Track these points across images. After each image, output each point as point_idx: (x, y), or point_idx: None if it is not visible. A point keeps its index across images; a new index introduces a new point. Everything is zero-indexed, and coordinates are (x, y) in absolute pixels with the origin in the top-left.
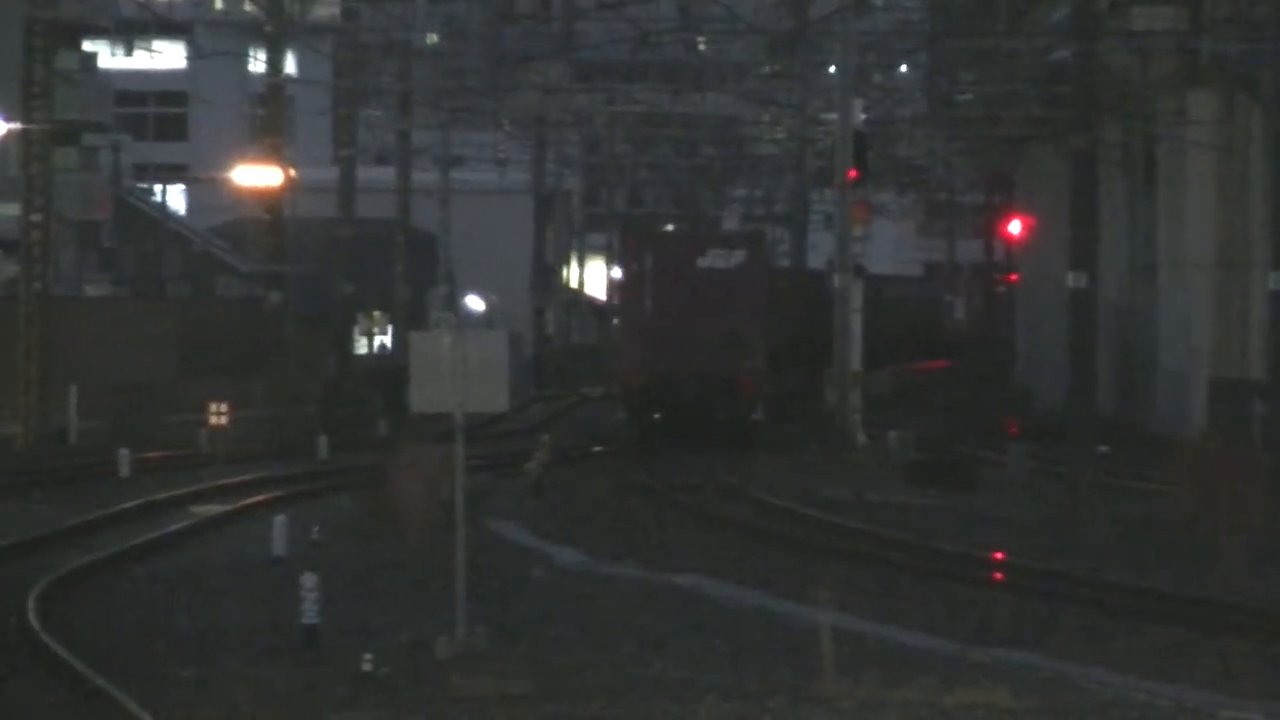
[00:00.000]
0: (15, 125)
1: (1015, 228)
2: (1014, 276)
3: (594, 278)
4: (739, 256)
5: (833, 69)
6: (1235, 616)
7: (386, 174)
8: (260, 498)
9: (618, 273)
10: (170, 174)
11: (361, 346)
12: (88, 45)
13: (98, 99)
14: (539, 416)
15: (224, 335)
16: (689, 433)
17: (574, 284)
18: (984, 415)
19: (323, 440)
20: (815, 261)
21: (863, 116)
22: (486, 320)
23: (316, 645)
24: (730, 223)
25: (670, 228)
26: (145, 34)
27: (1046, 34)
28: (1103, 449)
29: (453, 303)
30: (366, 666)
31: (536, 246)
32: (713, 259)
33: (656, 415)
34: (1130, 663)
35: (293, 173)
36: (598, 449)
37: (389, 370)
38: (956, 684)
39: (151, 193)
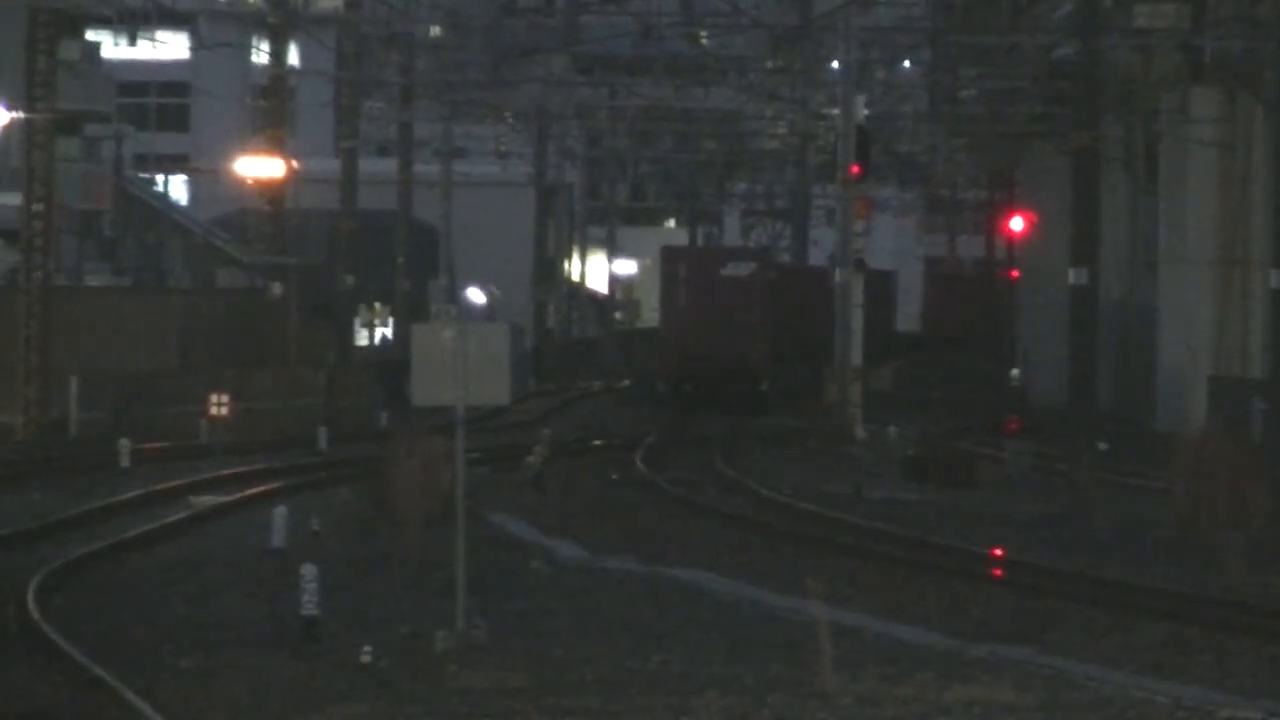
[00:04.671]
0: (18, 115)
1: (1017, 224)
2: (1015, 272)
3: (595, 271)
4: (751, 267)
5: (835, 64)
6: (1234, 614)
7: (388, 166)
8: (260, 489)
9: (660, 280)
10: (172, 164)
11: (363, 338)
12: (91, 35)
13: (100, 89)
14: (539, 410)
15: (225, 326)
16: (714, 400)
17: (575, 277)
18: (984, 411)
19: (323, 432)
20: (817, 256)
21: (865, 112)
22: (487, 313)
23: (315, 637)
24: (731, 218)
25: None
26: (148, 24)
27: (1049, 31)
28: (1103, 446)
29: (454, 295)
30: (365, 658)
31: (538, 239)
32: (732, 269)
33: (688, 388)
34: (1129, 660)
35: (294, 164)
36: (597, 443)
37: (390, 362)
38: (956, 680)
39: (153, 183)
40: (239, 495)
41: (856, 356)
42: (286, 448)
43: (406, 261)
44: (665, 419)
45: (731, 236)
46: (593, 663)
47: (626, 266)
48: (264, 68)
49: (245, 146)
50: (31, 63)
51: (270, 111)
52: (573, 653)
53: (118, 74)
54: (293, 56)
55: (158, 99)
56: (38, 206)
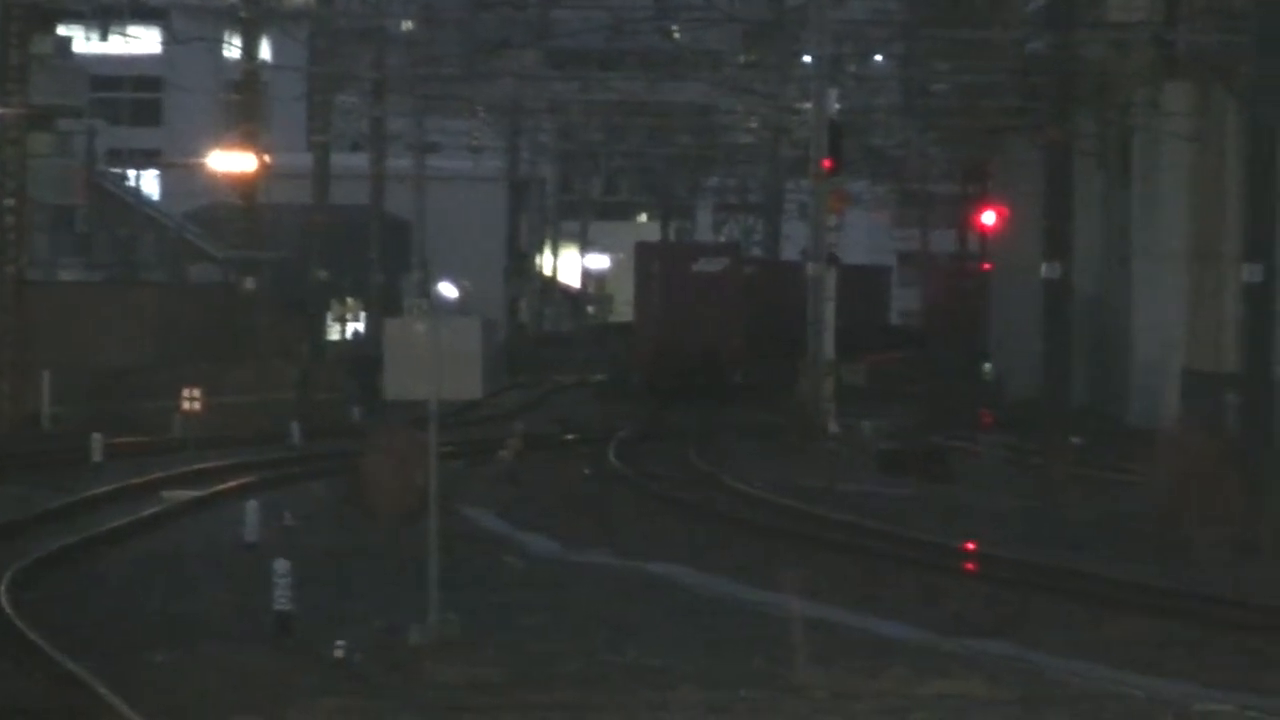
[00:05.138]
0: None
1: (989, 218)
2: (987, 266)
3: (568, 265)
4: (723, 263)
5: (808, 58)
6: (1209, 608)
7: (361, 160)
8: (233, 483)
9: (634, 275)
10: (145, 159)
11: (335, 333)
12: (63, 30)
13: (73, 84)
14: (513, 404)
15: (198, 321)
16: (687, 392)
17: (548, 272)
18: (957, 406)
19: (296, 426)
20: (790, 250)
21: (838, 106)
22: (460, 307)
23: (289, 631)
24: (704, 212)
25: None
26: (121, 19)
27: (1023, 24)
28: (1077, 440)
29: (426, 289)
30: (339, 653)
31: (510, 234)
32: (704, 264)
33: (662, 382)
34: (1104, 654)
35: (267, 159)
36: (570, 437)
37: (363, 357)
38: (931, 674)
39: (126, 178)
40: (212, 490)
41: (829, 351)
42: (260, 442)
43: (379, 256)
44: (639, 413)
45: (704, 231)
46: (568, 657)
47: (599, 261)
48: (236, 62)
49: (218, 141)
50: (4, 57)
51: (243, 106)
52: (547, 647)
53: (90, 68)
54: (265, 51)
55: (131, 93)
56: (10, 201)
